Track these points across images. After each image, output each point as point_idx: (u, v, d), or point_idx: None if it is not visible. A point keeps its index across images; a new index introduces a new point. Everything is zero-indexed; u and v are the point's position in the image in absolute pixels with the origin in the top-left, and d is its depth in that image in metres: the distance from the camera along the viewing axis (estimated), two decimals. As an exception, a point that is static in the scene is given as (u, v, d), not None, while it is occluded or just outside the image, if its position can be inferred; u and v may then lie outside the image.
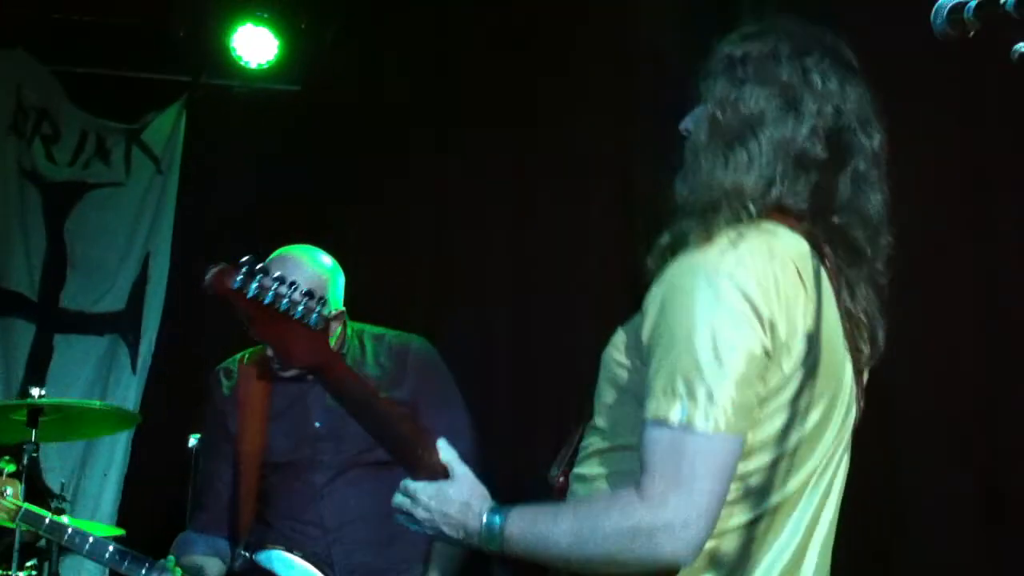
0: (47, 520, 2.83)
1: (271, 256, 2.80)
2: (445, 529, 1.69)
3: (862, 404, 1.71)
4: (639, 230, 3.53)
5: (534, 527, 1.60)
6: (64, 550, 3.06)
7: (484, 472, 1.76)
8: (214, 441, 2.91)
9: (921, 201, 2.58)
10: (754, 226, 1.56)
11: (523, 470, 3.69)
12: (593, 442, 1.68)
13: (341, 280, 2.86)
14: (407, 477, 1.76)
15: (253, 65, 4.87)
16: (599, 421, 1.68)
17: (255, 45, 4.82)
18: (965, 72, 2.52)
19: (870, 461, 2.23)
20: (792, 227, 1.60)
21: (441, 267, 4.43)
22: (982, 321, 2.60)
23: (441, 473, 1.73)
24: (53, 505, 3.16)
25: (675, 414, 1.48)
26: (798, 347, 1.54)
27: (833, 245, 1.63)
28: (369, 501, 2.76)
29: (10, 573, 3.05)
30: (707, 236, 1.56)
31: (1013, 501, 2.47)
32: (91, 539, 2.79)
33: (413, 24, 4.62)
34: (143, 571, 2.79)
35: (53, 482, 4.46)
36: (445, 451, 1.75)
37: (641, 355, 1.58)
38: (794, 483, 1.57)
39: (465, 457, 1.78)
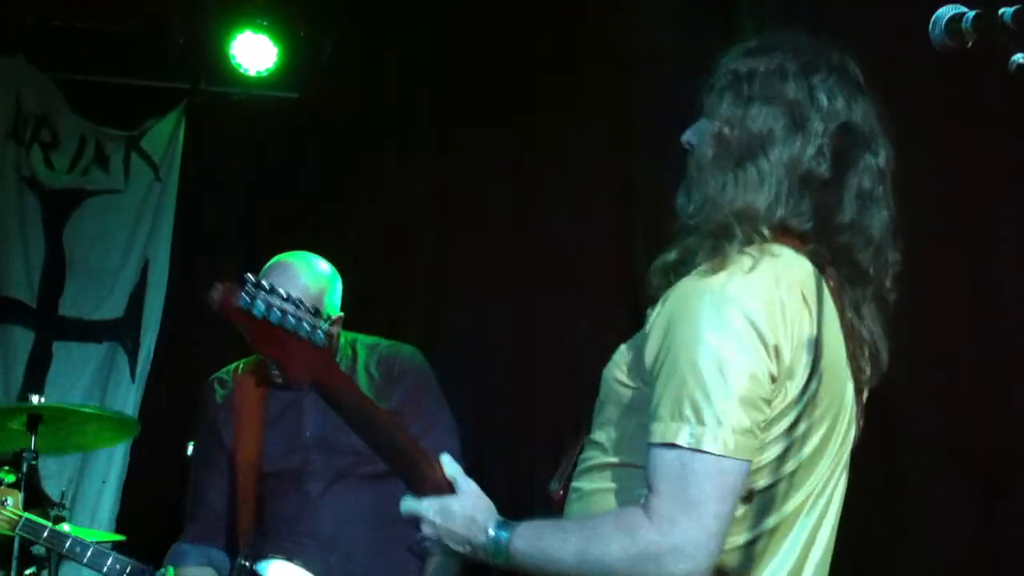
0: (47, 530, 2.82)
1: (268, 263, 2.80)
2: (451, 544, 1.69)
3: (861, 423, 1.71)
4: (639, 232, 3.54)
5: (540, 543, 1.60)
6: (64, 557, 3.05)
7: (480, 483, 1.77)
8: (206, 451, 2.90)
9: (920, 208, 2.59)
10: (761, 249, 1.56)
11: (521, 476, 3.70)
12: (592, 456, 1.69)
13: (338, 287, 2.85)
14: (404, 488, 1.76)
15: (252, 72, 4.87)
16: (599, 436, 1.68)
17: (254, 53, 4.82)
18: (963, 81, 2.53)
19: (870, 464, 2.23)
20: (796, 248, 1.60)
21: (440, 271, 4.43)
22: (981, 324, 2.60)
23: (446, 488, 1.73)
24: (53, 513, 3.16)
25: (684, 437, 1.48)
26: (802, 371, 1.55)
27: (837, 265, 1.63)
28: (365, 509, 2.76)
29: (9, 578, 3.05)
30: (716, 259, 1.56)
31: (1012, 502, 2.47)
32: (91, 549, 2.79)
33: (412, 31, 4.63)
34: None
35: (52, 490, 4.46)
36: (450, 466, 1.75)
37: (643, 376, 1.59)
38: (791, 505, 1.58)
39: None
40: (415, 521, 1.72)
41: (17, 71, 5.02)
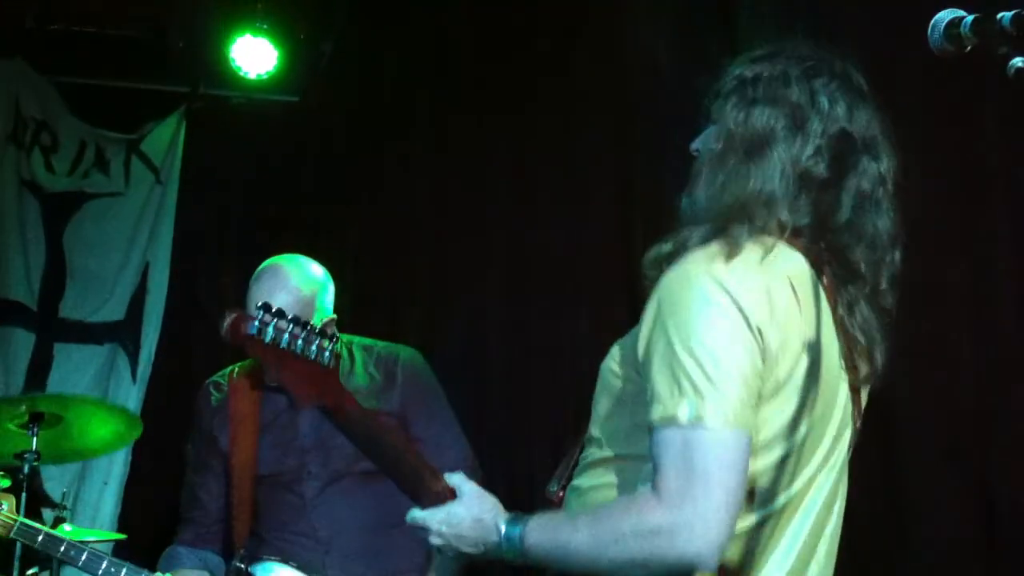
0: (43, 534, 2.82)
1: (260, 267, 2.81)
2: (463, 549, 1.71)
3: (859, 424, 1.73)
4: (639, 233, 3.55)
5: (554, 536, 1.61)
6: (60, 561, 3.05)
7: (483, 483, 1.78)
8: (201, 454, 2.91)
9: (919, 208, 2.60)
10: (756, 240, 1.59)
11: (520, 478, 3.70)
12: (589, 453, 1.71)
13: (331, 289, 2.86)
14: (399, 490, 1.79)
15: (252, 76, 4.87)
16: (595, 431, 1.70)
17: (254, 56, 4.82)
18: (961, 83, 2.54)
19: (870, 466, 2.24)
20: (791, 243, 1.63)
21: (440, 272, 4.44)
22: (981, 325, 2.61)
23: (449, 498, 1.74)
24: (54, 514, 3.16)
25: (684, 413, 1.50)
26: (790, 359, 1.57)
27: (831, 263, 1.66)
28: (361, 511, 2.76)
29: (11, 579, 3.05)
30: (706, 246, 1.59)
31: (1012, 504, 2.48)
32: (86, 553, 2.79)
33: (411, 33, 4.64)
34: None
35: (53, 491, 4.46)
36: (451, 476, 1.77)
37: (636, 365, 1.61)
38: (782, 500, 1.59)
39: (457, 468, 1.80)
40: (421, 536, 1.74)
41: (17, 74, 5.03)
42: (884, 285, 1.70)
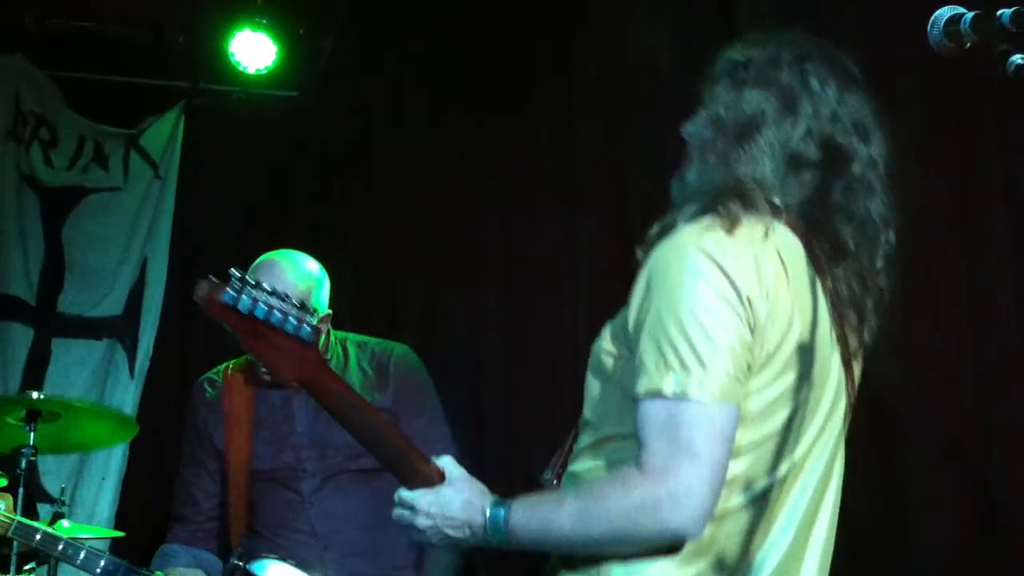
0: (39, 533, 2.82)
1: (256, 262, 2.81)
2: (450, 532, 1.70)
3: (853, 398, 1.73)
4: (637, 232, 3.53)
5: (538, 513, 1.61)
6: (57, 560, 3.04)
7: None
8: (195, 452, 2.90)
9: (917, 208, 2.59)
10: (745, 215, 1.60)
11: (518, 477, 3.70)
12: (584, 438, 1.71)
13: (326, 285, 2.85)
14: (397, 485, 1.77)
15: (251, 71, 4.86)
16: (588, 414, 1.70)
17: (253, 51, 4.81)
18: (960, 81, 2.54)
19: (869, 470, 2.24)
20: (780, 220, 1.64)
21: (439, 270, 4.44)
22: (980, 327, 2.60)
23: (437, 480, 1.74)
24: (52, 510, 3.16)
25: (669, 385, 1.50)
26: (780, 329, 1.58)
27: (820, 241, 1.67)
28: (359, 508, 2.76)
29: (9, 577, 3.05)
30: (695, 220, 1.61)
31: (1012, 506, 2.47)
32: (84, 552, 2.78)
33: (411, 30, 4.63)
34: None
35: (51, 486, 4.47)
36: (441, 459, 1.77)
37: (628, 342, 1.61)
38: (784, 468, 1.59)
39: None
40: (407, 519, 1.73)
41: (16, 70, 5.02)
42: (879, 265, 1.72)
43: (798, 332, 1.60)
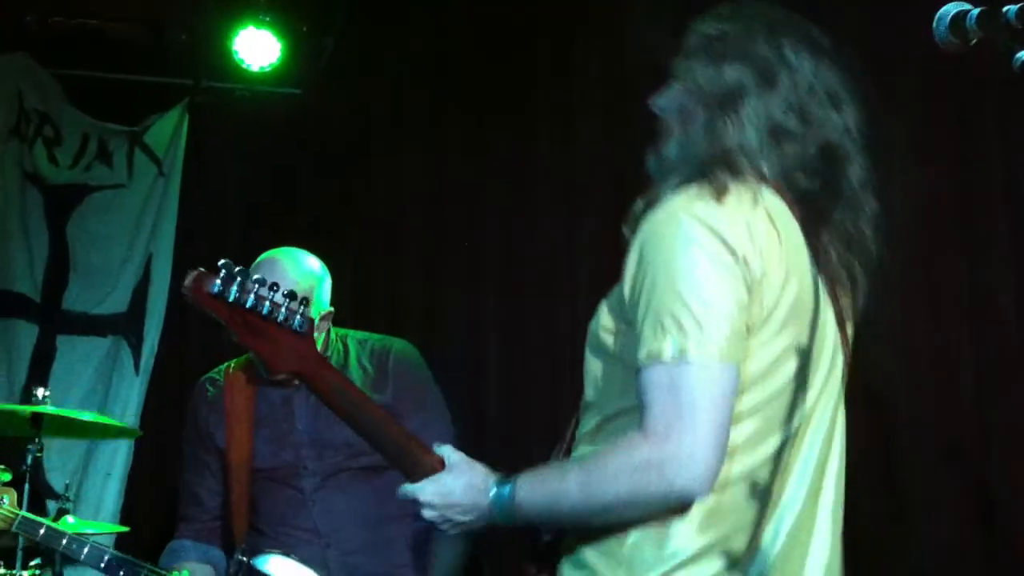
0: (43, 528, 2.82)
1: (257, 260, 2.81)
2: (457, 518, 1.69)
3: (849, 358, 1.74)
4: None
5: (544, 486, 1.61)
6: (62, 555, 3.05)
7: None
8: (195, 452, 2.91)
9: (917, 207, 2.60)
10: (731, 181, 1.61)
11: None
12: (587, 421, 1.70)
13: (327, 283, 2.86)
14: (399, 482, 1.76)
15: (255, 68, 4.86)
16: (590, 396, 1.70)
17: (257, 48, 4.81)
18: (960, 80, 2.54)
19: (869, 470, 2.24)
20: (767, 186, 1.65)
21: (439, 269, 4.44)
22: (980, 328, 2.61)
23: (439, 469, 1.73)
24: (58, 506, 3.16)
25: (668, 349, 1.51)
26: (775, 287, 1.59)
27: (803, 206, 1.68)
28: (360, 505, 2.77)
29: (14, 572, 3.05)
30: (683, 188, 1.61)
31: (1012, 507, 2.48)
32: (87, 547, 2.79)
33: (411, 30, 4.64)
34: None
35: (56, 483, 4.48)
36: (439, 447, 1.76)
37: (625, 315, 1.62)
38: (796, 421, 1.59)
39: None
40: (414, 510, 1.73)
41: (19, 68, 5.01)
42: (865, 231, 1.73)
43: (794, 291, 1.61)
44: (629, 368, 1.58)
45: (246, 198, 5.12)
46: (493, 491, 1.65)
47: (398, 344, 2.95)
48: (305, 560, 2.70)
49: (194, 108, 5.15)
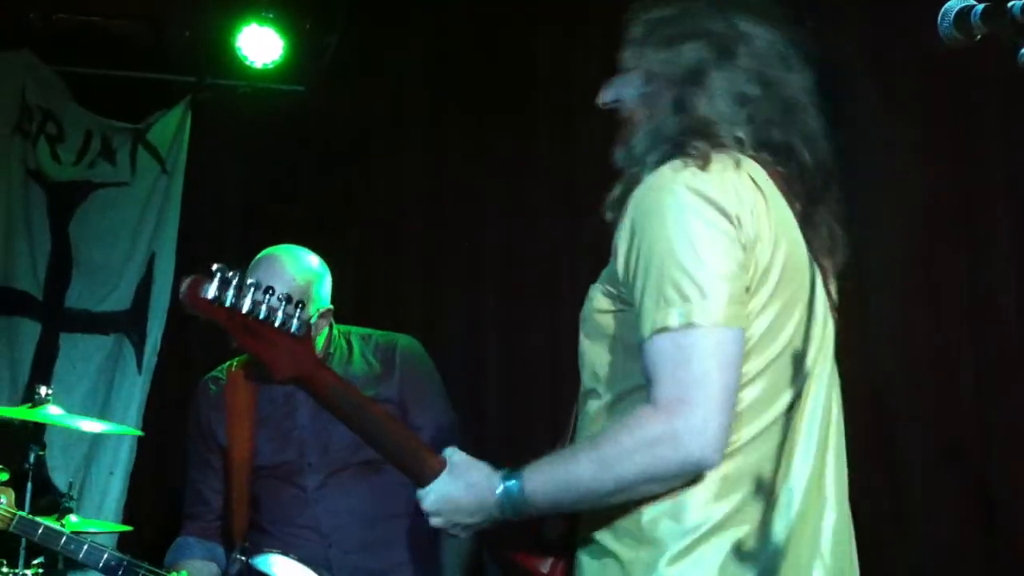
0: (41, 528, 2.82)
1: (256, 257, 2.81)
2: (463, 520, 1.66)
3: (835, 315, 1.75)
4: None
5: (554, 473, 1.58)
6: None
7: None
8: (199, 450, 2.91)
9: (918, 206, 2.60)
10: (711, 151, 1.62)
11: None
12: (588, 409, 1.68)
13: (327, 280, 2.85)
14: (398, 479, 1.76)
15: (258, 65, 4.84)
16: (589, 383, 1.69)
17: (260, 45, 4.80)
18: (960, 79, 2.54)
19: (869, 470, 2.24)
20: (745, 152, 1.66)
21: (438, 272, 4.44)
22: (981, 327, 2.61)
23: (440, 472, 1.69)
24: (62, 504, 3.16)
25: (673, 319, 1.50)
26: (768, 247, 1.59)
27: (778, 168, 1.68)
28: (363, 503, 2.77)
29: (17, 571, 3.05)
30: (665, 162, 1.61)
31: (1012, 509, 2.48)
32: (86, 546, 2.78)
33: (411, 29, 4.64)
34: None
35: (59, 481, 4.48)
36: (444, 450, 1.73)
37: (621, 294, 1.61)
38: (801, 379, 1.59)
39: None
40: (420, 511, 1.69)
41: (22, 65, 5.00)
42: (834, 192, 1.74)
43: (785, 249, 1.61)
44: (629, 348, 1.56)
45: (248, 195, 5.12)
46: (500, 487, 1.61)
47: (403, 339, 2.95)
48: (306, 559, 2.70)
49: (197, 105, 5.14)
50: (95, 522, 3.45)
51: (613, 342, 1.63)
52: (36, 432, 3.19)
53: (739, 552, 1.51)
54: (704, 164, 1.59)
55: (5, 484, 2.91)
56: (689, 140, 1.62)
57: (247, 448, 2.79)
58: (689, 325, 1.48)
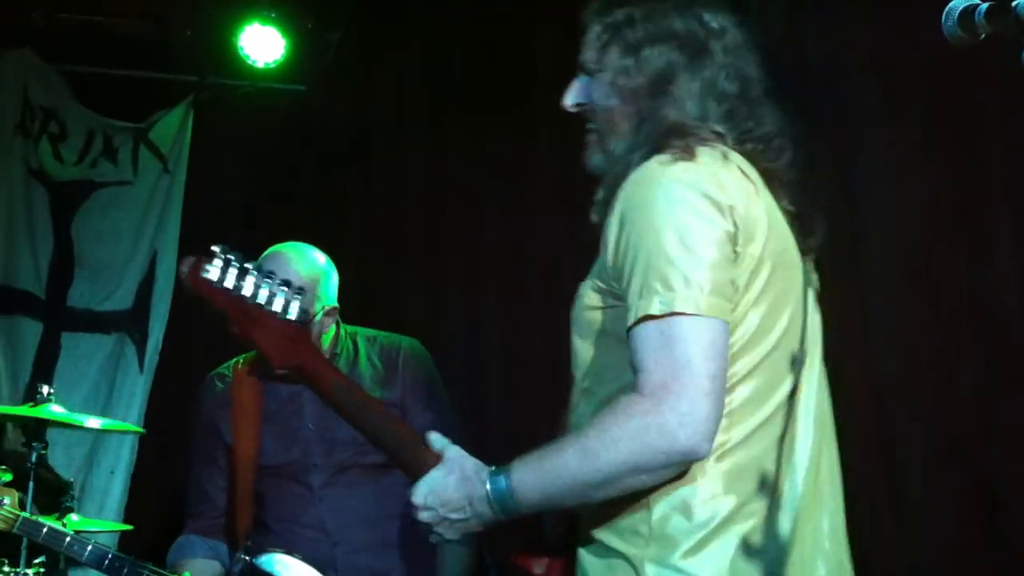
0: (45, 529, 2.82)
1: (264, 253, 2.82)
2: (452, 516, 1.63)
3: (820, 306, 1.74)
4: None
5: (541, 465, 1.57)
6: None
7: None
8: (204, 447, 2.91)
9: (918, 207, 2.60)
10: (696, 146, 1.61)
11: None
12: (582, 408, 1.69)
13: (334, 278, 2.86)
14: (405, 480, 1.73)
15: (260, 64, 4.86)
16: (583, 382, 1.69)
17: (262, 44, 4.81)
18: (960, 79, 2.54)
19: (869, 470, 2.25)
20: (728, 145, 1.66)
21: (439, 271, 4.45)
22: (981, 326, 2.61)
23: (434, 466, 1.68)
24: (64, 504, 3.17)
25: (656, 306, 1.49)
26: (760, 235, 1.59)
27: (756, 160, 1.68)
28: (368, 503, 2.77)
29: (19, 570, 3.05)
30: (651, 157, 1.60)
31: (1013, 509, 2.48)
32: (89, 547, 2.78)
33: (411, 29, 4.64)
34: None
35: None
36: (436, 441, 1.71)
37: (611, 288, 1.61)
38: (797, 366, 1.60)
39: None
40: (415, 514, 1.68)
41: (25, 65, 5.01)
42: (814, 181, 1.75)
43: (776, 240, 1.62)
44: (623, 343, 1.55)
45: (251, 194, 5.13)
46: (489, 483, 1.60)
47: (407, 341, 2.95)
48: (311, 559, 2.70)
49: (199, 104, 5.15)
50: (96, 522, 3.45)
51: (605, 338, 1.63)
52: (38, 431, 3.19)
53: (747, 546, 1.51)
54: (691, 157, 1.58)
55: (12, 485, 2.91)
56: (672, 138, 1.62)
57: (253, 446, 2.78)
58: (672, 313, 1.48)
